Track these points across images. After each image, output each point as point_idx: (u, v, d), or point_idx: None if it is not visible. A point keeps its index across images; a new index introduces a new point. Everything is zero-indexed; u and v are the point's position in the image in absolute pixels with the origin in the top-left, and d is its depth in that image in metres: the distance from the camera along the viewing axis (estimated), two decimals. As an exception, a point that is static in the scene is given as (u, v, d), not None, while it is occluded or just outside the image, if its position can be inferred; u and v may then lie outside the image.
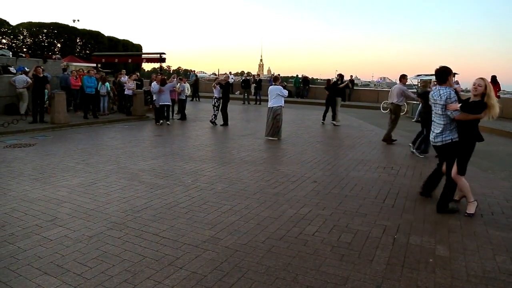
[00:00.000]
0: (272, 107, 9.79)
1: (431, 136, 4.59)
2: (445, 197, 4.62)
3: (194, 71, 28.06)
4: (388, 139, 9.58)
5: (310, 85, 28.09)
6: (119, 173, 6.19)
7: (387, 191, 5.51)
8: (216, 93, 12.13)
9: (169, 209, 4.57)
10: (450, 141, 4.43)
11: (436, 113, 4.49)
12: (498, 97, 14.98)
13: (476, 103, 4.29)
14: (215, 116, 12.29)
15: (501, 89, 16.31)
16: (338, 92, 13.37)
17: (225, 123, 12.24)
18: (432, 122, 4.58)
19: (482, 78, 4.31)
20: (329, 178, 6.16)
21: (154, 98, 12.52)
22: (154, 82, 12.61)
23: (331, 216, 4.50)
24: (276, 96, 9.81)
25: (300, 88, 26.35)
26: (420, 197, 5.25)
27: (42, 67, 12.32)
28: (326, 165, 7.08)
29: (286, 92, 10.05)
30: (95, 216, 4.33)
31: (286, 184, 5.75)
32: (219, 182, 5.75)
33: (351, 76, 27.71)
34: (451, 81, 4.48)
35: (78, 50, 35.17)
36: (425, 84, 9.87)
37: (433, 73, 4.56)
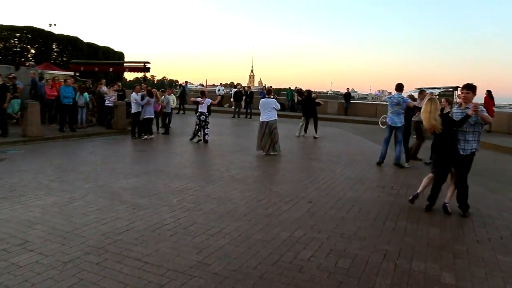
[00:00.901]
0: (268, 121, 9.91)
1: (463, 146, 5.49)
2: (465, 201, 5.62)
3: (185, 82, 28.11)
4: (414, 156, 9.72)
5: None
6: (98, 191, 6.12)
7: (387, 213, 5.55)
8: (205, 107, 11.65)
9: (153, 232, 4.53)
10: (475, 150, 5.53)
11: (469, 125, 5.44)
12: (493, 111, 15.82)
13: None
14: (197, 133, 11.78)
15: (495, 103, 17.15)
16: (314, 105, 14.20)
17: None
18: (460, 133, 5.50)
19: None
20: (325, 198, 6.19)
21: (133, 110, 12.39)
22: (134, 93, 12.58)
23: (327, 239, 4.50)
24: (271, 109, 9.94)
25: (294, 101, 26.60)
26: (423, 219, 5.30)
27: (13, 74, 12.23)
28: (322, 184, 7.12)
29: (279, 106, 10.24)
30: (71, 239, 4.26)
31: (279, 204, 5.75)
32: (207, 202, 5.73)
33: (348, 89, 28.13)
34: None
35: (54, 56, 34.92)
36: (413, 97, 10.17)
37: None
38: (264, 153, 9.98)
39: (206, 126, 11.63)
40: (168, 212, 5.24)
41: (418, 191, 5.83)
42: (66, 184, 6.46)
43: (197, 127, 11.73)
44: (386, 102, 10.03)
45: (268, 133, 9.89)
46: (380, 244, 4.42)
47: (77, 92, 13.66)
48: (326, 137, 14.23)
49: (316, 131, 14.11)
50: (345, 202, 6.01)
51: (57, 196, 5.77)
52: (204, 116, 11.59)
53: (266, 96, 10.46)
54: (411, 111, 9.04)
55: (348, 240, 4.49)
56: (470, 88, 5.49)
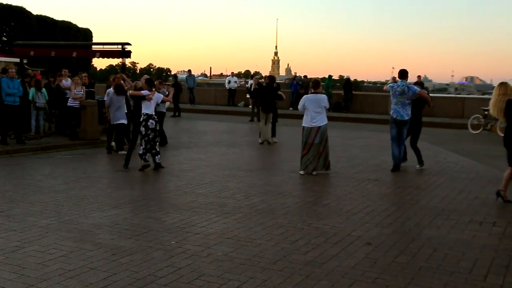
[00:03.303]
0: (319, 126, 10.02)
1: None
2: None
3: (188, 71, 28.50)
4: None
5: (354, 92, 28.38)
6: (62, 230, 6.21)
7: (488, 263, 5.45)
8: (152, 106, 10.36)
9: (142, 288, 4.58)
10: None
11: None
12: None
13: None
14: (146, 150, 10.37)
15: None
16: (274, 97, 14.73)
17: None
18: None
19: None
20: (390, 238, 6.14)
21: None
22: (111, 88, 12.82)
23: (398, 300, 4.46)
24: (321, 109, 10.10)
25: (342, 96, 26.62)
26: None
27: None
28: (385, 217, 7.07)
29: (328, 104, 10.46)
30: (25, 300, 4.35)
31: (324, 247, 5.73)
32: (219, 244, 5.75)
33: (419, 77, 27.88)
34: None
35: None
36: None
37: None
38: (312, 172, 10.01)
39: (155, 140, 10.27)
40: (163, 259, 5.27)
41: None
42: (14, 221, 6.59)
43: (143, 143, 10.19)
44: (388, 91, 10.91)
45: (318, 144, 9.95)
46: (477, 308, 4.34)
47: (29, 88, 14.01)
48: (386, 147, 14.12)
49: (274, 134, 14.77)
50: (421, 244, 5.94)
51: (0, 238, 5.88)
52: (153, 122, 10.21)
53: (312, 90, 10.49)
54: (419, 102, 10.59)
55: (429, 301, 4.43)
56: None
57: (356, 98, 27.27)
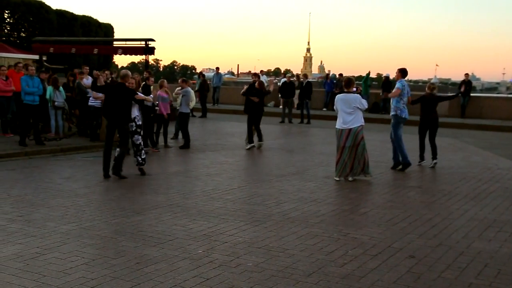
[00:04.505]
0: (351, 128, 9.97)
1: None
2: None
3: (216, 69, 28.68)
4: None
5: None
6: (83, 237, 6.30)
7: (544, 278, 5.32)
8: (135, 108, 10.57)
9: (167, 300, 4.63)
10: None
11: None
12: None
13: None
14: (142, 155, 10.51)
15: None
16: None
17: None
18: None
19: None
20: (436, 251, 6.06)
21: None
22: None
23: (446, 319, 4.40)
24: (354, 110, 10.02)
25: (380, 97, 26.35)
26: None
27: None
28: (429, 228, 6.99)
29: (366, 104, 10.30)
30: (45, 310, 4.42)
31: (362, 259, 5.69)
32: (249, 254, 5.76)
33: (466, 74, 27.41)
34: None
35: (7, 31, 35.84)
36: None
37: None
38: (349, 178, 9.99)
39: (138, 144, 10.42)
40: (190, 269, 5.29)
41: None
42: (34, 226, 6.70)
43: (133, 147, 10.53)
44: (400, 89, 11.47)
45: (351, 147, 9.88)
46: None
47: (48, 86, 14.24)
48: (429, 151, 13.93)
49: (260, 138, 14.51)
50: (471, 258, 5.85)
51: (20, 244, 5.97)
52: (133, 125, 10.34)
53: (345, 89, 10.44)
54: (434, 101, 12.14)
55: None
56: None
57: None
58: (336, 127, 10.15)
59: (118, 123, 9.85)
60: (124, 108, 9.82)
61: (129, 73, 10.38)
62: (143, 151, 10.45)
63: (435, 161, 11.95)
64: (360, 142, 10.00)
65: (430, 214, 7.74)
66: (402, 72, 11.51)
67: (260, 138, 14.49)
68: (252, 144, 14.23)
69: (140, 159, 10.31)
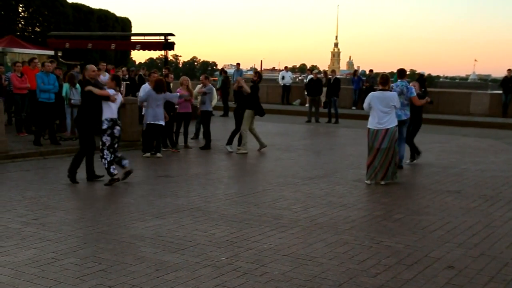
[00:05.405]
0: (388, 128, 9.89)
1: None
2: None
3: (236, 65, 28.61)
4: None
5: (427, 89, 27.72)
6: (100, 241, 6.33)
7: None
8: (115, 108, 10.00)
9: (189, 310, 4.60)
10: None
11: None
12: None
13: None
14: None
15: None
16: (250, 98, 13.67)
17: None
18: None
19: None
20: (477, 261, 5.96)
21: (143, 112, 12.91)
22: (146, 84, 13.05)
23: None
24: (390, 109, 9.96)
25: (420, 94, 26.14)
26: None
27: None
28: (470, 236, 6.89)
29: (399, 103, 10.28)
30: (61, 318, 4.43)
31: (397, 269, 5.63)
32: (275, 262, 5.73)
33: (509, 70, 26.91)
34: None
35: (21, 25, 36.48)
36: None
37: None
38: (381, 182, 9.93)
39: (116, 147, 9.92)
40: (212, 277, 5.28)
41: None
42: (49, 230, 6.75)
43: (107, 154, 9.64)
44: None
45: (387, 149, 9.80)
46: None
47: (64, 83, 14.36)
48: (469, 153, 13.78)
49: (239, 143, 13.68)
50: (514, 269, 5.75)
51: (35, 249, 6.02)
52: (119, 129, 9.97)
53: (381, 87, 10.33)
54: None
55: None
56: None
57: (430, 95, 26.67)
58: (369, 127, 10.03)
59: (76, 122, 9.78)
60: (83, 105, 9.94)
61: (89, 66, 10.28)
62: (105, 154, 9.61)
63: (410, 161, 12.50)
64: (394, 144, 9.97)
65: (471, 221, 7.60)
66: (398, 73, 12.13)
67: (239, 143, 13.76)
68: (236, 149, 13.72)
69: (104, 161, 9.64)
